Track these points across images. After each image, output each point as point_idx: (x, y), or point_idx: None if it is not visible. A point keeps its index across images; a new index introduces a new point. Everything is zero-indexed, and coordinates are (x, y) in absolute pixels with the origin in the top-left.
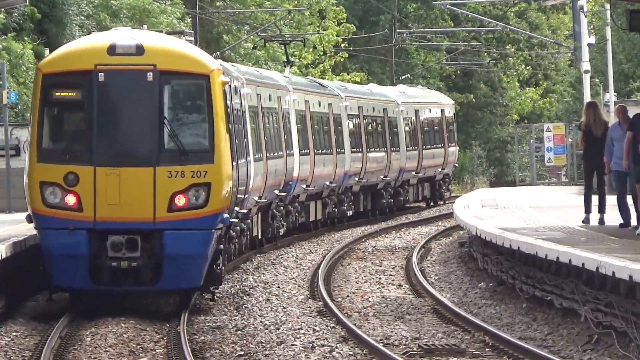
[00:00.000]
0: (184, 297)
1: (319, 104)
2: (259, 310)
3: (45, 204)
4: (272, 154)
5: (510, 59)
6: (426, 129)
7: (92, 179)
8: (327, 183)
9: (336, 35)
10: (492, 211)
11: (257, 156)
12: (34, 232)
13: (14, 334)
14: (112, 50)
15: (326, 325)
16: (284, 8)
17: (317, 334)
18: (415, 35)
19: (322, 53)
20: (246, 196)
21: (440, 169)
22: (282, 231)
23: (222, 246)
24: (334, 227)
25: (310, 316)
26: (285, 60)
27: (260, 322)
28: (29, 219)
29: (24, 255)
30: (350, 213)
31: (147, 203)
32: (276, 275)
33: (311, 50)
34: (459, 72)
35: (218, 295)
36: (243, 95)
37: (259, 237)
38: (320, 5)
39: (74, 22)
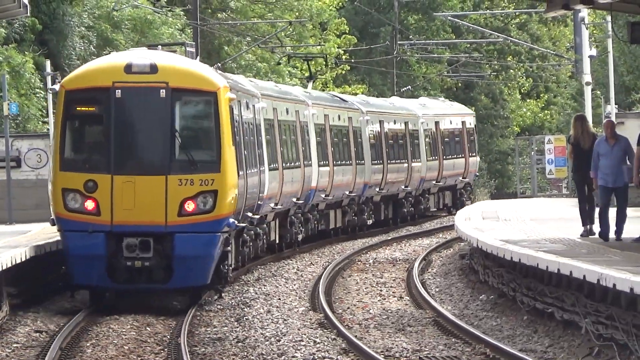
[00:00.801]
0: (194, 295)
1: (339, 118)
2: (260, 322)
3: (66, 209)
4: (288, 164)
5: (511, 70)
6: (447, 140)
7: (109, 186)
8: (347, 193)
9: (337, 47)
10: (493, 223)
11: (272, 166)
12: (34, 243)
13: (15, 345)
14: (128, 69)
15: (327, 337)
16: (285, 20)
17: (317, 345)
18: (416, 47)
19: (323, 64)
20: (260, 202)
21: (461, 178)
22: (300, 237)
23: (229, 248)
24: (336, 238)
25: (311, 328)
26: (308, 75)
27: (261, 333)
28: (53, 223)
29: (26, 266)
30: (370, 222)
31: (159, 208)
32: (277, 287)
33: (313, 62)
34: (460, 84)
35: (219, 307)
36: (258, 109)
37: (277, 242)
38: (322, 17)
39: (75, 34)
